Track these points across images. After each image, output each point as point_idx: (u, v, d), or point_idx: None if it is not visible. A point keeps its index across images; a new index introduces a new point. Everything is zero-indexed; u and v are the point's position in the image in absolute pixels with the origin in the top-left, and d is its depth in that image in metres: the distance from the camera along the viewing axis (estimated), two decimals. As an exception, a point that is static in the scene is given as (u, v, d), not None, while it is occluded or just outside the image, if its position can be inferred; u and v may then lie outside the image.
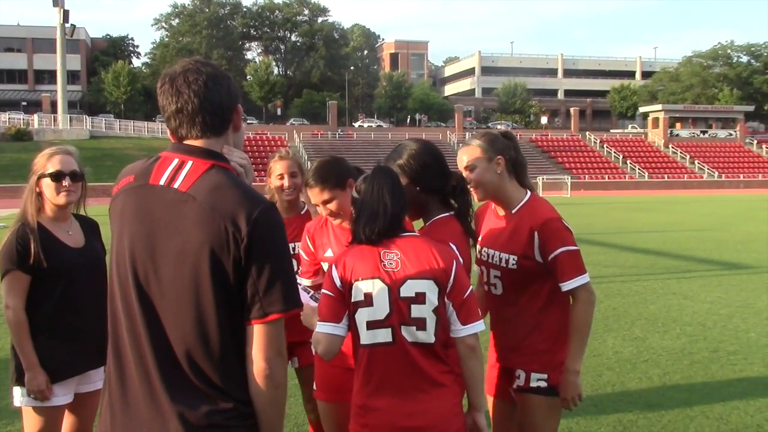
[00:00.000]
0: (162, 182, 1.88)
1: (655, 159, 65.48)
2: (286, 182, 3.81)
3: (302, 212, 3.92)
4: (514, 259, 2.96)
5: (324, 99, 77.19)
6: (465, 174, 3.00)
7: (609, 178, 59.30)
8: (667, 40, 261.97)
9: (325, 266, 3.22)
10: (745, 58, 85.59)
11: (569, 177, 51.26)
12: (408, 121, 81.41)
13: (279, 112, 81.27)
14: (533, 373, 2.98)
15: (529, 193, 3.06)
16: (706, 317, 8.39)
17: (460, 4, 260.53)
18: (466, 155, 3.02)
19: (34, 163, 3.28)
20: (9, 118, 58.64)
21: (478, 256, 3.14)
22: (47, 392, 3.16)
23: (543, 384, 2.98)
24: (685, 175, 62.13)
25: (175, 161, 1.90)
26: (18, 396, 3.21)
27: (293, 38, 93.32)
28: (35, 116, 59.40)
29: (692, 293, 9.95)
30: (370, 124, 76.00)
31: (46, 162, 3.22)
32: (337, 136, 65.20)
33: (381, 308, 2.44)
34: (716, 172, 62.89)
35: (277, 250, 1.84)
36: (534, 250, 2.92)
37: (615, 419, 5.02)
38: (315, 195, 3.15)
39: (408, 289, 2.44)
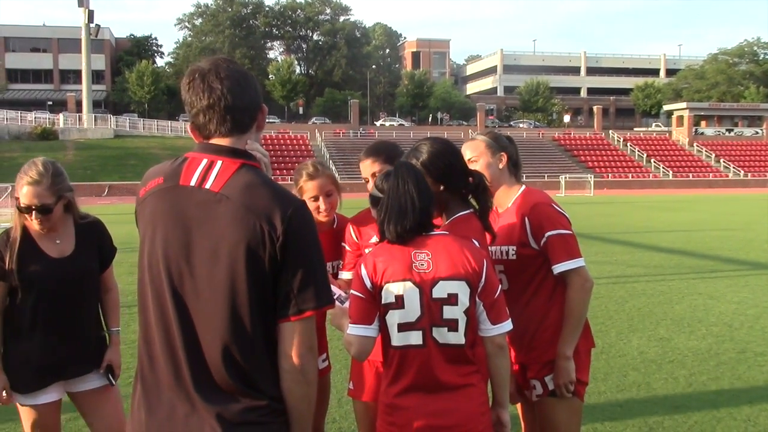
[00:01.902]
0: (193, 183, 1.88)
1: (679, 157, 64.83)
2: (321, 205, 3.45)
3: (334, 225, 3.59)
4: (513, 250, 3.02)
5: (346, 98, 77.42)
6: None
7: (633, 176, 58.84)
8: (691, 38, 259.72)
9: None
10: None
11: (592, 176, 50.94)
12: (430, 119, 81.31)
13: (301, 110, 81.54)
14: (546, 378, 3.01)
15: (523, 186, 3.15)
16: (732, 317, 8.28)
17: (483, 2, 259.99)
18: (470, 149, 3.13)
19: None
20: (35, 118, 59.50)
21: None
22: (2, 396, 3.21)
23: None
24: (710, 174, 61.46)
25: (204, 161, 1.90)
26: None
27: (315, 37, 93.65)
28: (61, 116, 60.18)
29: (718, 293, 9.83)
30: (391, 123, 75.96)
31: (19, 189, 3.16)
32: (358, 134, 65.26)
33: (412, 310, 2.40)
34: (742, 171, 62.15)
35: (310, 247, 1.86)
36: (528, 237, 2.99)
37: (641, 420, 4.97)
38: (366, 167, 3.27)
39: (440, 291, 2.40)
